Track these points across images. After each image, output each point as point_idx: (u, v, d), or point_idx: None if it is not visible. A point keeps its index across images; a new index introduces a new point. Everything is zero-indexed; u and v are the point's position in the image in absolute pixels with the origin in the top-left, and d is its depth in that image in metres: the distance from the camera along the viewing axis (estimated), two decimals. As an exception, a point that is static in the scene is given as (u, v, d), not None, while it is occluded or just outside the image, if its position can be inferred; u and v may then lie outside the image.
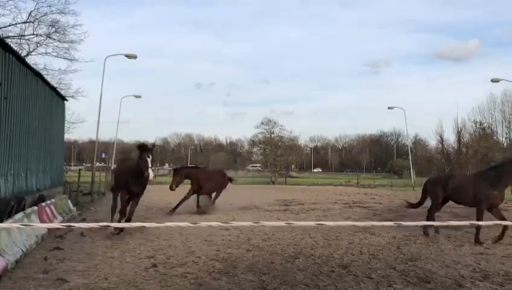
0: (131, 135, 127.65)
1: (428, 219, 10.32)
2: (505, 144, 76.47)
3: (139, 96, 42.23)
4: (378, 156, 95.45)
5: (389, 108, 49.32)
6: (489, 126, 78.36)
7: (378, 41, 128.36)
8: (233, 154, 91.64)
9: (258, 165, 67.70)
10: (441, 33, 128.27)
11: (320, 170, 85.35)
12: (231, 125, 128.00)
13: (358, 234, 10.43)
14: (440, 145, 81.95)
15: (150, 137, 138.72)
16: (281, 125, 52.74)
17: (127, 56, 28.05)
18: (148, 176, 9.71)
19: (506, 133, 79.74)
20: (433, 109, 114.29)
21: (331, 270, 7.01)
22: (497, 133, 79.89)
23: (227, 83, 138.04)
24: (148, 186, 11.20)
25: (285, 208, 17.72)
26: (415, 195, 28.24)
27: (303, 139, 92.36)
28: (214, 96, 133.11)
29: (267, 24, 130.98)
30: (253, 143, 57.79)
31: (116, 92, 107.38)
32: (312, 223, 3.10)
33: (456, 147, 76.80)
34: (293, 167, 79.06)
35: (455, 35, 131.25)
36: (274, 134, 52.43)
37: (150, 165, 9.72)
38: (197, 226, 3.02)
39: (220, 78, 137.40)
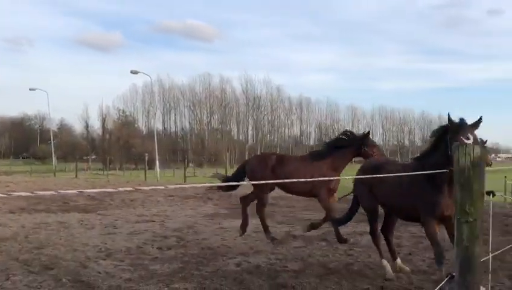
0: None
1: None
2: (145, 132, 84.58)
3: None
4: (20, 140, 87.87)
5: (30, 89, 47.18)
6: (131, 114, 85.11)
7: (21, 17, 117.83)
8: None
9: None
10: (87, 20, 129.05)
11: None
12: None
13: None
14: (85, 131, 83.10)
15: None
16: None
17: None
18: None
19: (145, 122, 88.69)
20: (79, 94, 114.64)
21: None
22: (138, 121, 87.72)
23: None
24: None
25: None
26: (54, 181, 27.62)
27: None
28: None
29: None
30: None
31: None
32: None
33: (100, 133, 79.41)
34: None
35: (100, 25, 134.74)
36: None
37: None
38: None
39: None
